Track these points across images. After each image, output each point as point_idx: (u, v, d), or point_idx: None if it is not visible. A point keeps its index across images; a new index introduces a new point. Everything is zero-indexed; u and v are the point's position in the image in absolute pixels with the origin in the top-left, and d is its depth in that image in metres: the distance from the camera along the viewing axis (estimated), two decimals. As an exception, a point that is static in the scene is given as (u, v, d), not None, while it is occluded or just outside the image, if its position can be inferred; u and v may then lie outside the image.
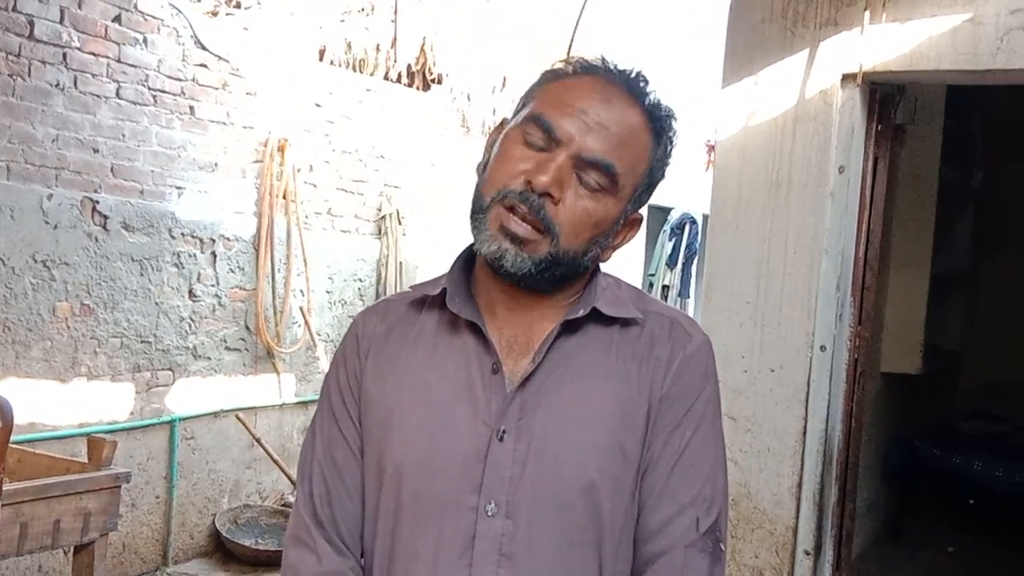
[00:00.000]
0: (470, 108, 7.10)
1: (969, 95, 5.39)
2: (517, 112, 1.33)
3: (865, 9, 3.18)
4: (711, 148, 5.36)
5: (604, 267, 1.40)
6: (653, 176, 1.32)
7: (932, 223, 5.23)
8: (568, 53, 3.50)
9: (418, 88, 7.04)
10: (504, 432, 1.27)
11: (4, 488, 2.95)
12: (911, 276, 5.23)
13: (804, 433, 3.37)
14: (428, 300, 1.38)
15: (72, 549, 3.44)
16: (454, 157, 6.95)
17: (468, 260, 1.38)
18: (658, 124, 1.31)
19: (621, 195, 1.28)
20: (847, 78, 3.27)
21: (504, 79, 7.29)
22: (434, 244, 6.91)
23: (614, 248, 1.35)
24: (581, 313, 1.30)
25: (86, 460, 3.59)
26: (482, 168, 1.33)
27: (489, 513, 1.26)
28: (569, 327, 1.31)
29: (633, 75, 1.31)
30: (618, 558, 1.29)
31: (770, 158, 3.38)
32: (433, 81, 7.16)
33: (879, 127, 3.43)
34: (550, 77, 1.33)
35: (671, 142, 1.33)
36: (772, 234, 3.38)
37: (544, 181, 1.23)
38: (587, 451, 1.27)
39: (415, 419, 1.31)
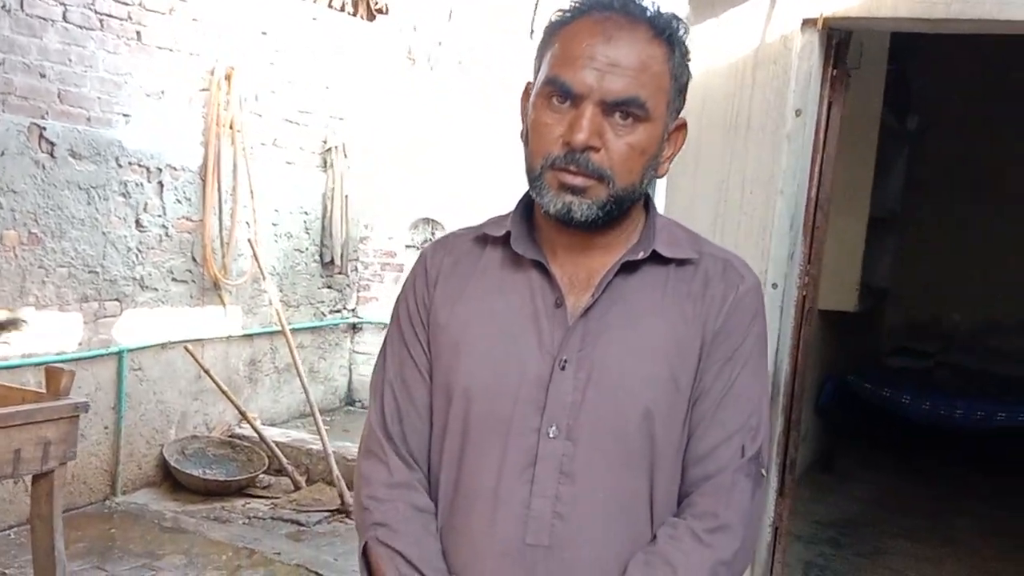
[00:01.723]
0: (416, 39, 7.03)
1: (908, 40, 5.53)
2: (536, 75, 1.38)
3: (827, -45, 3.24)
4: (671, 88, 5.41)
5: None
6: (680, 81, 1.36)
7: (872, 166, 5.39)
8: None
9: (363, 18, 6.95)
10: (566, 361, 1.35)
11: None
12: (851, 217, 5.40)
13: (755, 366, 3.50)
14: (491, 239, 1.44)
15: (31, 478, 3.44)
16: (400, 89, 6.91)
17: (529, 204, 1.44)
18: (666, 33, 1.33)
19: (656, 116, 1.33)
20: (807, 23, 3.32)
21: (450, 11, 7.22)
22: (380, 177, 6.89)
23: (669, 159, 1.41)
24: (641, 255, 1.38)
25: (36, 389, 3.59)
26: (524, 138, 1.39)
27: (551, 435, 1.34)
28: (627, 266, 1.38)
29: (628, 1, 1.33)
30: (669, 480, 1.38)
31: (730, 100, 3.43)
32: (378, 11, 7.07)
33: (834, 72, 3.51)
34: (550, 30, 1.37)
35: (684, 42, 1.36)
36: (730, 175, 3.46)
37: (581, 138, 1.28)
38: (644, 382, 1.35)
39: (483, 345, 1.38)
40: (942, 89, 7.09)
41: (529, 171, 1.36)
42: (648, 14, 1.33)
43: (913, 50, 6.25)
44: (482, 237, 1.46)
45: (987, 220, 7.22)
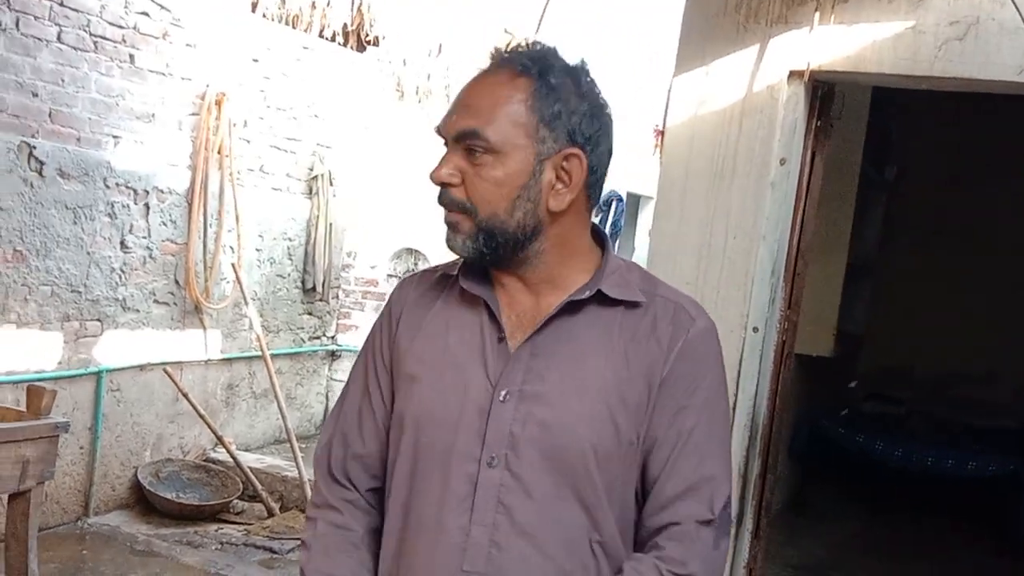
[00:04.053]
0: (405, 73, 7.10)
1: (888, 92, 5.64)
2: None
3: (815, 10, 3.32)
4: (659, 133, 5.49)
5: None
6: (547, 111, 1.36)
7: (851, 214, 5.48)
8: (536, 30, 3.58)
9: (353, 48, 7.01)
10: (507, 394, 1.39)
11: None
12: (829, 264, 5.48)
13: (734, 409, 3.54)
14: (451, 277, 1.50)
15: (6, 497, 3.43)
16: (387, 121, 6.96)
17: None
18: (527, 67, 1.36)
19: (509, 148, 1.35)
20: (794, 75, 3.40)
21: (440, 45, 7.29)
22: (365, 206, 6.93)
23: (570, 190, 1.39)
24: (586, 295, 1.41)
25: (15, 407, 3.58)
26: None
27: (491, 465, 1.39)
28: (572, 307, 1.41)
29: (503, 50, 1.43)
30: (611, 518, 1.40)
31: (716, 147, 3.50)
32: (369, 43, 7.13)
33: (819, 123, 3.59)
34: None
35: (559, 71, 1.37)
36: (714, 220, 3.52)
37: (434, 175, 1.40)
38: (581, 420, 1.38)
39: (434, 375, 1.44)
40: (920, 141, 7.23)
41: None
42: (511, 58, 1.39)
43: (893, 101, 6.38)
44: (444, 275, 1.52)
45: (959, 270, 7.34)
